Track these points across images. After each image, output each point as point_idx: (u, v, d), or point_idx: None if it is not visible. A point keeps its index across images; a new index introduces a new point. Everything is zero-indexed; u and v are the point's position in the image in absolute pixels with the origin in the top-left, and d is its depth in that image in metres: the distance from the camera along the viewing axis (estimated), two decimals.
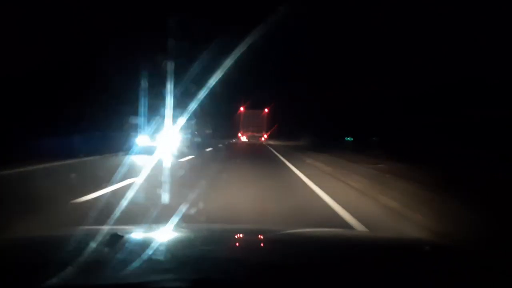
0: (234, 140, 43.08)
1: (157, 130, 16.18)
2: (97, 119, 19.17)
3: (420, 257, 1.57)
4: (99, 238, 1.74)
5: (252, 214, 4.65)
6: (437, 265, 1.41)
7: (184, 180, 7.98)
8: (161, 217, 3.83)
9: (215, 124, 37.70)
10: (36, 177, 7.87)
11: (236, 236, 2.06)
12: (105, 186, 6.05)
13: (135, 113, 16.82)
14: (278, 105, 43.96)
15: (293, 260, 1.45)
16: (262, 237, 2.06)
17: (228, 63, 12.45)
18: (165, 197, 5.38)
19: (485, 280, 1.26)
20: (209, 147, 22.10)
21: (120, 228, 2.45)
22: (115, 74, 18.71)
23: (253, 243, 1.93)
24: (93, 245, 1.55)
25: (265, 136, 41.80)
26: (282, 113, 45.11)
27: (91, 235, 1.80)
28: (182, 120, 15.08)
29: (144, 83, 16.39)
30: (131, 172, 8.02)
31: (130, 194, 5.21)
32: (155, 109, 16.04)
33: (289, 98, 46.98)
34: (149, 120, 16.19)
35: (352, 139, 30.27)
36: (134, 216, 4.00)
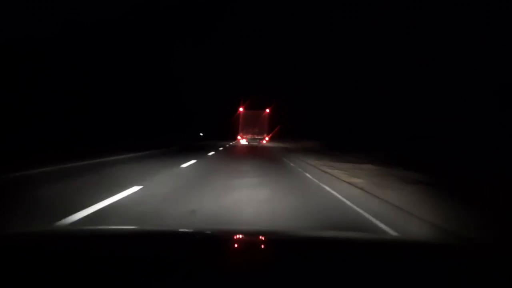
0: (233, 143, 41.80)
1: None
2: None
3: (425, 258, 1.56)
4: (100, 238, 1.75)
5: None
6: (441, 266, 1.40)
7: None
8: None
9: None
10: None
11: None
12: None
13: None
14: (280, 105, 42.62)
15: (291, 261, 1.46)
16: (268, 238, 2.00)
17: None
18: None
19: (487, 280, 1.26)
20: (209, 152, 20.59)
21: (121, 229, 2.43)
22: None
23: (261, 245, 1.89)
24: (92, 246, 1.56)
25: (267, 138, 40.51)
26: (285, 114, 43.90)
27: (90, 236, 1.81)
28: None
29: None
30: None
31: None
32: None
33: (292, 97, 45.76)
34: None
35: None
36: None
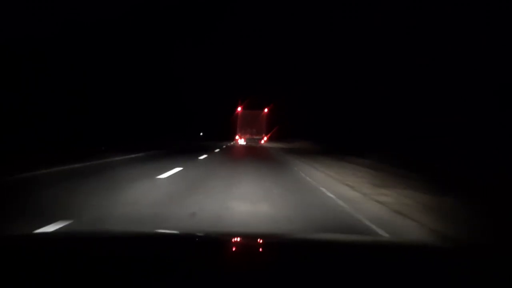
0: (231, 143, 41.31)
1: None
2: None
3: (425, 260, 1.55)
4: (100, 240, 1.75)
5: None
6: (441, 267, 1.40)
7: None
8: None
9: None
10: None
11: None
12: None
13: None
14: (279, 105, 42.19)
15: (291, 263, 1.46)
16: (265, 241, 2.01)
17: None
18: None
19: (487, 281, 1.26)
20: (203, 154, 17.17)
21: (122, 231, 2.43)
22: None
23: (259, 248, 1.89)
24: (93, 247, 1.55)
25: (265, 138, 40.23)
26: (284, 114, 43.64)
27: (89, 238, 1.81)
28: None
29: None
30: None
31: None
32: None
33: (291, 97, 45.58)
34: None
35: None
36: None
